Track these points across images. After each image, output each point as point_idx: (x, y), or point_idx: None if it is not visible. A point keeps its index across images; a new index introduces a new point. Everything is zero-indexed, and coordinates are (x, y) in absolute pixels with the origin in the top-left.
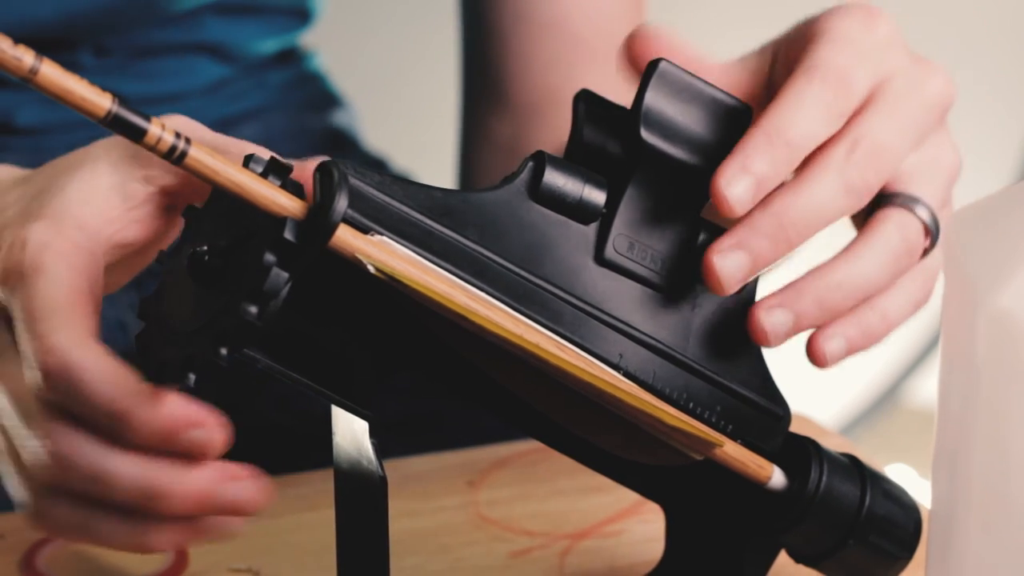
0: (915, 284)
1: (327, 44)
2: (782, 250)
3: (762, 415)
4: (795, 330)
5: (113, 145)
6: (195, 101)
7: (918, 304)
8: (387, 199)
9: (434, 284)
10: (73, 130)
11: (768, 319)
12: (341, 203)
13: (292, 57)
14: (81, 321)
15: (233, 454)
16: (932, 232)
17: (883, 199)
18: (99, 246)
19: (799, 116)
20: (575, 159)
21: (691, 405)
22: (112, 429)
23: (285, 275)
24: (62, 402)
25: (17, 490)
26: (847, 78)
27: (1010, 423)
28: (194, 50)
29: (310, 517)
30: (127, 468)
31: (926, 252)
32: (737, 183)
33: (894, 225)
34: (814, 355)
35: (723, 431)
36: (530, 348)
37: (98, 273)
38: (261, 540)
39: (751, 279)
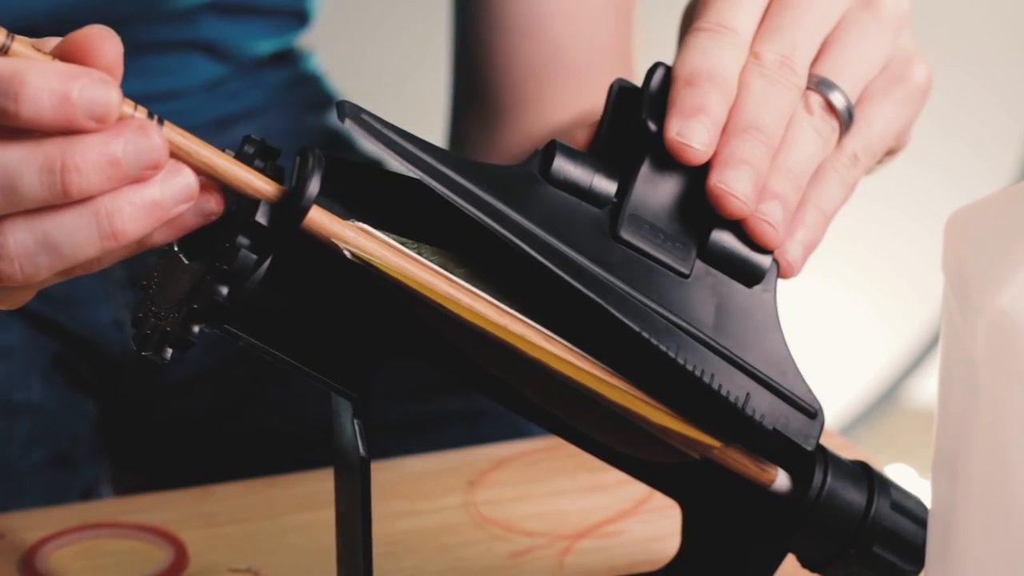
0: (839, 173)
1: (324, 45)
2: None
3: (797, 410)
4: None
5: None
6: (191, 99)
7: (848, 191)
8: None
9: (412, 271)
10: None
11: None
12: (313, 187)
13: (289, 57)
14: None
15: (232, 457)
16: (840, 113)
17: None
18: None
19: (703, 55)
20: (600, 145)
21: (718, 386)
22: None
23: (254, 257)
24: None
25: None
26: (725, 16)
27: (1010, 423)
28: (190, 48)
29: (310, 517)
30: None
31: (842, 133)
32: (690, 129)
33: (801, 105)
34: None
35: (758, 422)
36: (513, 340)
37: None
38: (261, 540)
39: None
